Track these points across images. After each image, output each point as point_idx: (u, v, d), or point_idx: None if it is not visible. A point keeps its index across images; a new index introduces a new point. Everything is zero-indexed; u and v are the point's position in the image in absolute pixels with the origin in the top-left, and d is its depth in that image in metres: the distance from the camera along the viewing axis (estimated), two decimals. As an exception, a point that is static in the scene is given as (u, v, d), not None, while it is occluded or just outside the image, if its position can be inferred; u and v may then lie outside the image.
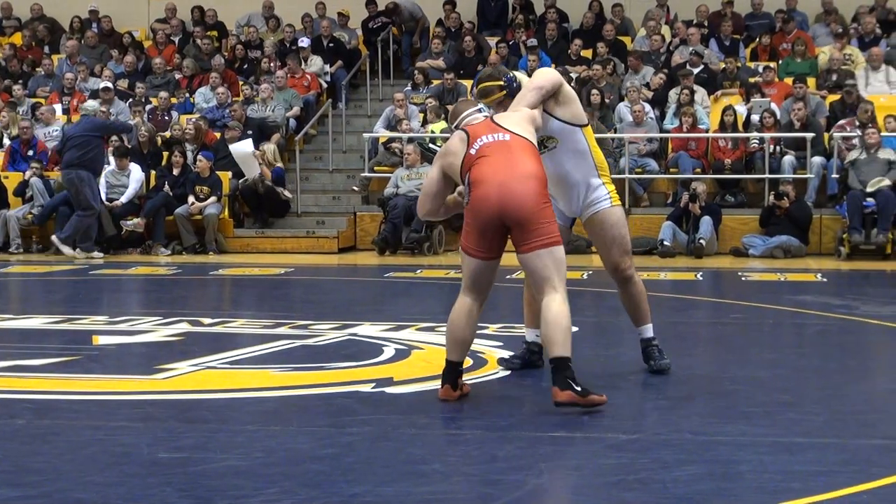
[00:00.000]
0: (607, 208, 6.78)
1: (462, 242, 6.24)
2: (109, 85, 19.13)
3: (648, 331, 7.00)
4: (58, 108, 19.35)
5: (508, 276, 11.16)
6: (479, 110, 6.54)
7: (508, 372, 7.07)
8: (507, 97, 6.64)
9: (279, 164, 17.19)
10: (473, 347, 7.60)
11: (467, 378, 6.91)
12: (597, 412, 5.85)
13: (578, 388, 5.81)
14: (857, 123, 16.04)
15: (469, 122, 6.45)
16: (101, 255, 15.84)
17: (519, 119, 6.33)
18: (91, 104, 16.65)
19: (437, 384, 6.68)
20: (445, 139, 17.24)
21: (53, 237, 15.92)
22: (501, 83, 6.67)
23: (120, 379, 7.04)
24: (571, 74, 18.18)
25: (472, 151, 6.17)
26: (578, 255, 14.32)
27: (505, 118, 6.36)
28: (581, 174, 6.74)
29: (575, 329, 8.41)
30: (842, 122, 16.57)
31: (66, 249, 15.73)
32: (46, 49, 21.98)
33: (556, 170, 6.64)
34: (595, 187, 6.76)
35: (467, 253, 6.19)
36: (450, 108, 18.15)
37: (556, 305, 5.94)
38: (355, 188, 17.94)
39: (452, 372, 6.21)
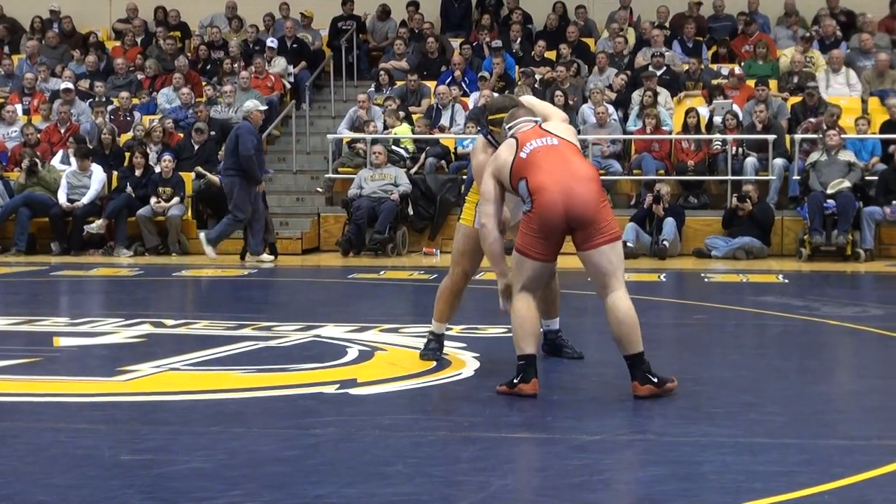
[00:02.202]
0: None
1: (519, 246, 6.32)
2: (70, 85, 19.03)
3: (556, 323, 7.54)
4: (18, 108, 19.23)
5: (475, 278, 11.14)
6: (535, 121, 6.66)
7: (472, 373, 7.07)
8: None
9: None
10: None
11: (431, 380, 6.92)
12: (561, 413, 5.87)
13: (656, 380, 6.16)
14: (825, 127, 16.10)
15: (519, 129, 6.58)
16: (272, 257, 15.39)
17: (565, 128, 6.65)
18: (250, 103, 15.81)
19: (401, 385, 6.69)
20: (413, 140, 17.26)
21: (201, 235, 15.19)
22: (536, 117, 6.98)
23: (82, 381, 7.00)
24: (536, 76, 18.23)
25: (523, 155, 6.34)
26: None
27: (552, 125, 6.60)
28: None
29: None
30: (812, 120, 16.64)
31: (210, 251, 15.03)
32: (6, 49, 21.82)
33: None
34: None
35: (527, 256, 6.29)
36: (412, 109, 18.21)
37: (623, 303, 6.23)
38: (319, 189, 17.91)
39: (534, 363, 6.34)
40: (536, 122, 6.64)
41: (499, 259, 6.50)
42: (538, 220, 6.21)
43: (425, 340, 7.55)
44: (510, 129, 6.63)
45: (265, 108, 16.16)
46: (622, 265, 6.35)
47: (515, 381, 6.32)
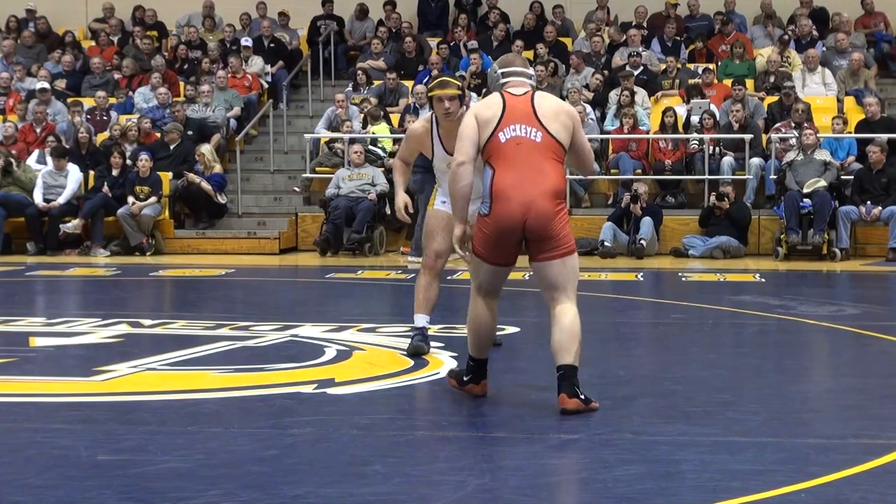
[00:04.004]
0: None
1: (475, 248, 6.08)
2: (46, 85, 18.94)
3: None
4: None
5: (449, 277, 11.17)
6: (530, 77, 6.17)
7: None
8: (458, 100, 7.17)
9: (218, 168, 17.09)
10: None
11: (409, 379, 6.92)
12: (540, 413, 5.88)
13: (583, 397, 5.90)
14: (793, 125, 16.23)
15: (512, 84, 6.11)
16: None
17: (557, 110, 6.06)
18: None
19: (378, 385, 6.69)
20: (391, 139, 17.26)
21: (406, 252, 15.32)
22: (459, 85, 7.21)
23: (58, 381, 6.98)
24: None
25: (502, 138, 5.94)
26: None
27: (545, 102, 6.07)
28: None
29: (516, 329, 8.48)
30: (778, 124, 16.77)
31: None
32: (-18, 48, 21.72)
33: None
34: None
35: (482, 259, 6.09)
36: (389, 109, 18.19)
37: (570, 314, 5.97)
38: (296, 189, 17.89)
39: (485, 367, 6.26)
40: (532, 87, 6.16)
41: (463, 205, 6.04)
42: (493, 227, 5.96)
43: (411, 336, 7.64)
44: (503, 77, 6.16)
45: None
46: (575, 279, 6.06)
47: (465, 378, 6.29)
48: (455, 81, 7.36)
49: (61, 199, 16.25)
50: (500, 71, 6.21)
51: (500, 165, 5.95)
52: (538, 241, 5.96)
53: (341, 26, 21.43)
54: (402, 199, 7.10)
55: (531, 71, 6.24)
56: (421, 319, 7.58)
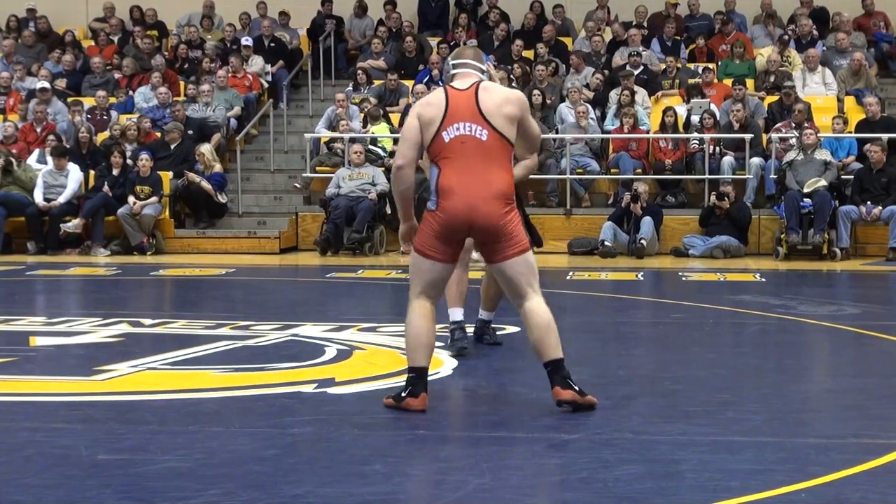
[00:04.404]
0: None
1: (418, 245, 5.99)
2: (46, 84, 18.95)
3: (489, 316, 8.04)
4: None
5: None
6: (480, 70, 6.11)
7: (450, 372, 7.08)
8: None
9: (218, 167, 17.09)
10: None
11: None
12: (546, 412, 5.88)
13: (577, 388, 5.90)
14: (793, 125, 16.24)
15: (459, 76, 6.07)
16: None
17: (501, 103, 5.97)
18: None
19: (379, 384, 6.69)
20: (391, 139, 17.26)
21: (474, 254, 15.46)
22: (483, 68, 6.54)
23: (58, 380, 6.97)
24: (513, 76, 18.25)
25: (445, 137, 5.89)
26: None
27: (489, 96, 5.96)
28: None
29: (516, 329, 8.48)
30: (779, 124, 16.77)
31: None
32: (-18, 48, 21.73)
33: None
34: None
35: (425, 255, 5.96)
36: (389, 109, 18.19)
37: (540, 310, 5.95)
38: (297, 185, 17.90)
39: (424, 377, 5.98)
40: (481, 78, 6.07)
41: (408, 205, 6.08)
42: (442, 222, 5.90)
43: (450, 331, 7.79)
44: (453, 69, 6.12)
45: None
46: (535, 273, 6.03)
47: (403, 394, 5.96)
48: (479, 63, 7.29)
49: (62, 199, 16.25)
50: (451, 62, 6.21)
51: (445, 165, 5.91)
52: (491, 243, 5.94)
53: (341, 26, 21.43)
54: None
55: (481, 64, 6.17)
56: (457, 313, 7.64)
